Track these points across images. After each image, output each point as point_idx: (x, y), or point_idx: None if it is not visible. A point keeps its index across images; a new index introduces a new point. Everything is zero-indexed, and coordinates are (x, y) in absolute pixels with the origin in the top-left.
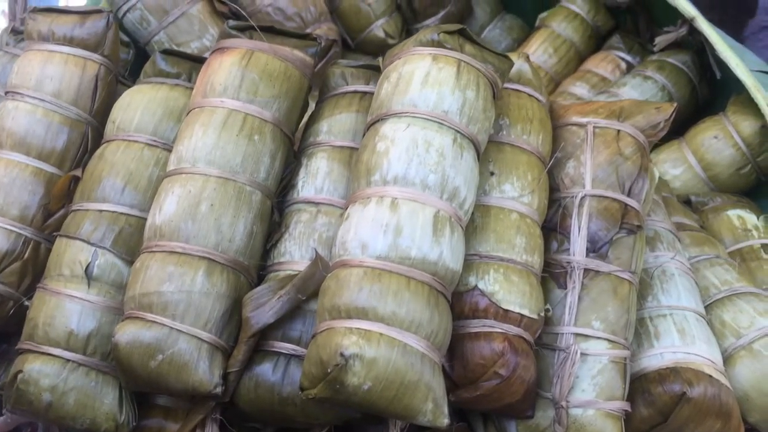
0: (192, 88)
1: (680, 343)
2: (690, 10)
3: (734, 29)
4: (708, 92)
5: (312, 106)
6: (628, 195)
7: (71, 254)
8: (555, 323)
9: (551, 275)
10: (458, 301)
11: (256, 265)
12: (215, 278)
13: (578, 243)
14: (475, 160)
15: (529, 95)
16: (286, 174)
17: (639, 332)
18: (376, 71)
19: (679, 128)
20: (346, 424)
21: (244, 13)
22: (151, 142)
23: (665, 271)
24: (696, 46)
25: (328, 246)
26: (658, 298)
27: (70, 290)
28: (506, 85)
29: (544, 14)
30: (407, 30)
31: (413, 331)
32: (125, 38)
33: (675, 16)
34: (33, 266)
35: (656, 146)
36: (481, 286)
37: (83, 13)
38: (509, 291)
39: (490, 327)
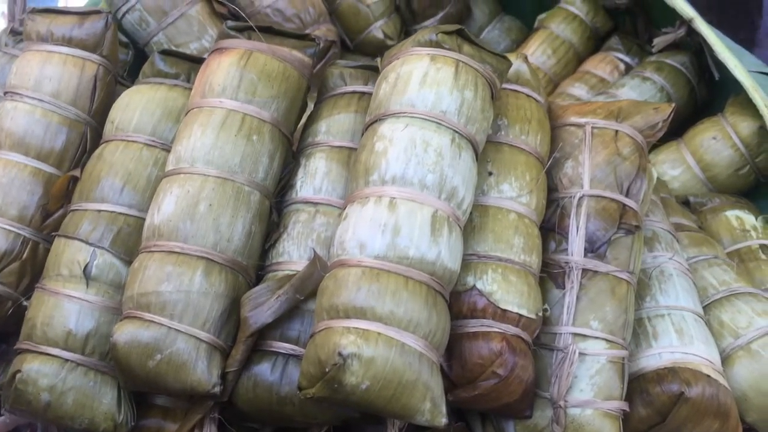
0: (191, 89)
1: (678, 344)
2: (688, 11)
3: (733, 30)
4: (706, 93)
5: (310, 106)
6: (627, 195)
7: (70, 254)
8: (553, 323)
9: (549, 275)
10: (456, 300)
11: (254, 265)
12: (213, 278)
13: (576, 243)
14: (473, 160)
15: (528, 95)
16: (284, 174)
17: (637, 332)
18: (374, 72)
19: (677, 129)
20: (344, 423)
21: (243, 14)
22: (150, 143)
23: (663, 272)
24: (694, 47)
25: (326, 246)
26: (656, 299)
27: (69, 290)
28: (504, 85)
29: (542, 15)
30: (406, 31)
31: (411, 330)
32: (124, 39)
33: (673, 17)
34: (31, 266)
35: (655, 147)
36: (479, 285)
37: (82, 14)
38: (507, 291)
39: (488, 327)
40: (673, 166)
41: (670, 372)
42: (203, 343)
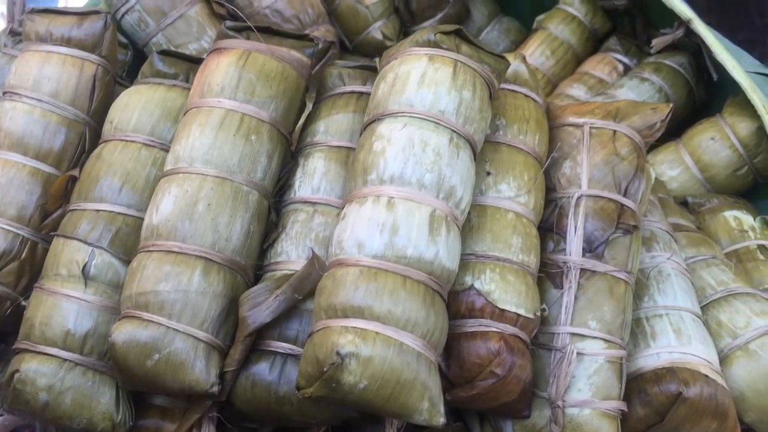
0: (189, 89)
1: (676, 343)
2: (687, 12)
3: (732, 31)
4: (705, 94)
5: (309, 106)
6: (625, 195)
7: (68, 254)
8: (551, 323)
9: (547, 275)
10: (454, 300)
11: (252, 265)
12: (212, 278)
13: (574, 243)
14: (471, 159)
15: (526, 96)
16: (283, 174)
17: (635, 332)
18: (373, 72)
19: (676, 130)
20: (343, 423)
21: (242, 15)
22: (149, 142)
23: (661, 272)
24: (693, 48)
25: (324, 246)
26: (654, 299)
27: (67, 290)
28: (503, 85)
29: (541, 17)
30: (405, 32)
31: (409, 330)
32: (123, 40)
33: (672, 18)
34: (30, 266)
35: (653, 148)
36: (477, 285)
37: (81, 14)
38: (505, 290)
39: (486, 326)
40: (672, 167)
41: (668, 372)
42: (201, 343)
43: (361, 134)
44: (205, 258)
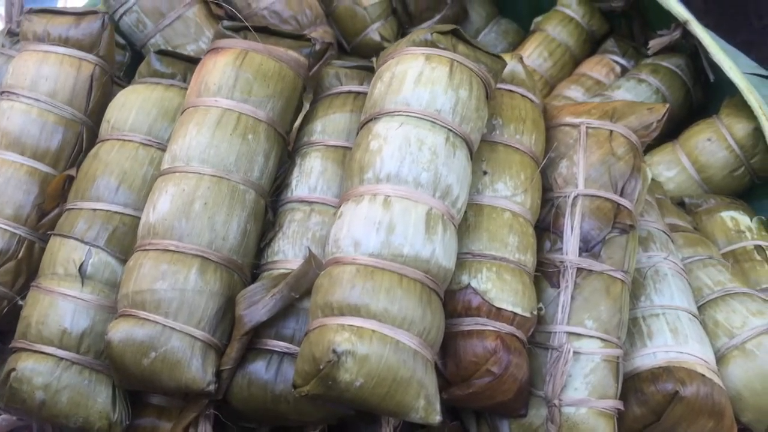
0: (187, 89)
1: (673, 343)
2: (684, 14)
3: (731, 33)
4: (702, 95)
5: (306, 106)
6: (621, 195)
7: (65, 253)
8: (548, 322)
9: (544, 274)
10: (451, 299)
11: (249, 264)
12: (209, 276)
13: (571, 242)
14: (467, 158)
15: (522, 96)
16: (280, 173)
17: (632, 332)
18: (370, 72)
19: (673, 131)
20: (340, 422)
21: (240, 16)
22: (146, 142)
23: (658, 271)
24: (690, 49)
25: (321, 245)
26: (651, 298)
27: (64, 289)
28: (499, 85)
29: (539, 18)
30: (403, 34)
31: (406, 328)
32: (121, 41)
33: (669, 20)
34: (27, 265)
35: (650, 148)
36: (473, 284)
37: (78, 14)
38: (502, 289)
39: (482, 325)
40: (669, 168)
41: (665, 371)
42: (198, 342)
43: (357, 133)
44: (201, 257)
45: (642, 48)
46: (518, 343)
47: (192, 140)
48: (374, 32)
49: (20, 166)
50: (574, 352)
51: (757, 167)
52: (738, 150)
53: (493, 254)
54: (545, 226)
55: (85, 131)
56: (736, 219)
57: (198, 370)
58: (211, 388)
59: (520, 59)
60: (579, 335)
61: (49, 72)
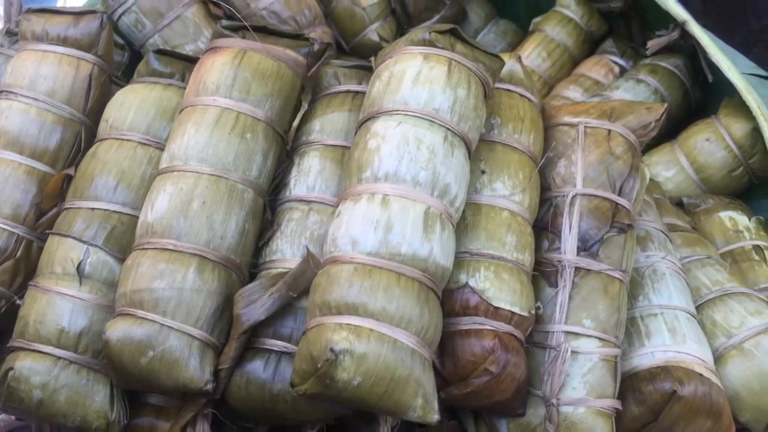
0: (185, 88)
1: (671, 342)
2: (682, 14)
3: (729, 33)
4: (700, 95)
5: (305, 105)
6: (619, 194)
7: (63, 252)
8: (546, 321)
9: (542, 274)
10: (449, 298)
11: (247, 263)
12: (207, 275)
13: (569, 241)
14: (466, 157)
15: (521, 95)
16: (278, 172)
17: (630, 331)
18: (368, 71)
19: (671, 131)
20: (337, 421)
21: (239, 16)
22: (144, 141)
23: (656, 271)
24: (688, 50)
25: (319, 244)
26: (649, 298)
27: (62, 288)
28: (498, 85)
29: (537, 19)
30: (402, 34)
31: (403, 327)
32: (120, 41)
33: (667, 20)
34: (25, 265)
35: (649, 148)
36: (471, 283)
37: (77, 14)
38: (500, 288)
39: (480, 324)
40: (667, 168)
41: (663, 371)
42: (196, 340)
43: (356, 133)
44: (199, 256)
45: (640, 48)
46: (516, 343)
47: (190, 139)
48: (373, 32)
49: (18, 166)
50: (572, 352)
51: (755, 167)
52: (736, 150)
53: (491, 253)
54: (543, 226)
55: (84, 130)
56: (734, 219)
57: (196, 370)
58: (209, 387)
59: (519, 59)
60: (577, 334)
61: (48, 71)
